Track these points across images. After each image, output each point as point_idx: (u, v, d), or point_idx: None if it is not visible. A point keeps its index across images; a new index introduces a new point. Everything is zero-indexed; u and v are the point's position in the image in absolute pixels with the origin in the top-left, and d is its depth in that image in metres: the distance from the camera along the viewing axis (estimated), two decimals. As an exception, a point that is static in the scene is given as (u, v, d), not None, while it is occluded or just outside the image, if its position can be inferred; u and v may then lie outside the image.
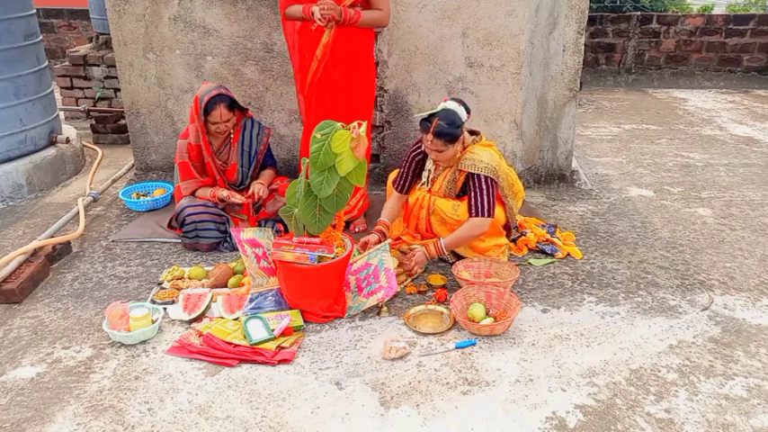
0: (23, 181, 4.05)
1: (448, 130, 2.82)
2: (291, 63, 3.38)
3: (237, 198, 3.22)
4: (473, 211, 2.92)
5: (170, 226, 3.45)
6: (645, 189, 4.28)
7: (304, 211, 2.55)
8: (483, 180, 2.91)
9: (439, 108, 2.89)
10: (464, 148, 2.99)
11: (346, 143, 2.42)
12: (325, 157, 2.43)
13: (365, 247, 2.96)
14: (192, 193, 3.31)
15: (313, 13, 2.95)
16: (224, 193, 3.24)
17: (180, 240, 3.34)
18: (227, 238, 3.27)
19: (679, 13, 7.95)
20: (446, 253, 2.98)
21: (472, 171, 2.91)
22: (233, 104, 3.19)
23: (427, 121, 2.85)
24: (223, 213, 3.26)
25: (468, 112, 2.93)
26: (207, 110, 3.11)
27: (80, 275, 3.05)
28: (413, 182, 3.20)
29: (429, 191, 3.10)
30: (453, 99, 2.95)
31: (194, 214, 3.21)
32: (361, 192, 3.48)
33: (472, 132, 3.07)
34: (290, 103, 4.05)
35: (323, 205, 2.55)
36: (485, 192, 2.90)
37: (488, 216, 2.92)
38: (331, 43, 3.05)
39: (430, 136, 2.84)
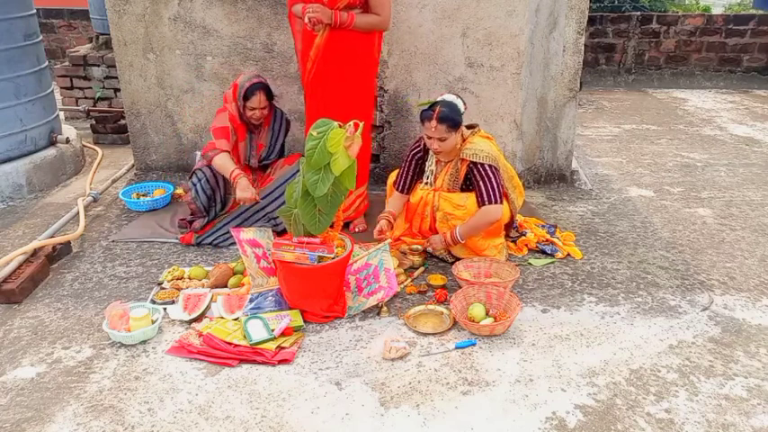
0: (23, 181, 4.04)
1: (451, 115, 2.89)
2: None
3: (248, 193, 3.12)
4: (484, 199, 2.94)
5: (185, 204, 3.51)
6: (645, 189, 4.28)
7: (303, 212, 2.55)
8: (488, 168, 2.95)
9: (438, 99, 2.97)
10: (463, 140, 3.04)
11: (341, 142, 2.42)
12: (319, 156, 2.42)
13: (382, 234, 3.00)
14: (212, 155, 3.22)
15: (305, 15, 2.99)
16: (244, 181, 3.14)
17: (179, 240, 3.35)
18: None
19: (679, 14, 7.95)
20: (461, 241, 2.99)
21: (474, 160, 2.95)
22: (270, 93, 3.34)
23: (429, 110, 2.90)
24: None
25: (465, 105, 3.00)
26: (246, 96, 3.22)
27: (80, 275, 3.05)
28: (413, 182, 3.22)
29: (434, 189, 3.11)
30: (450, 93, 3.03)
31: (212, 169, 3.25)
32: (357, 193, 3.48)
33: (470, 127, 3.12)
34: (290, 104, 4.05)
35: (317, 205, 2.55)
36: (492, 178, 2.94)
37: (500, 202, 2.94)
38: (323, 45, 3.09)
39: (434, 122, 2.88)
